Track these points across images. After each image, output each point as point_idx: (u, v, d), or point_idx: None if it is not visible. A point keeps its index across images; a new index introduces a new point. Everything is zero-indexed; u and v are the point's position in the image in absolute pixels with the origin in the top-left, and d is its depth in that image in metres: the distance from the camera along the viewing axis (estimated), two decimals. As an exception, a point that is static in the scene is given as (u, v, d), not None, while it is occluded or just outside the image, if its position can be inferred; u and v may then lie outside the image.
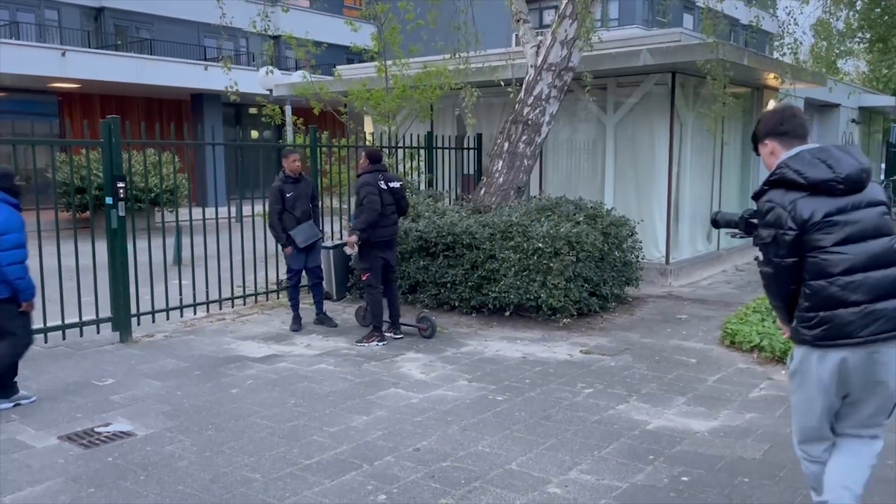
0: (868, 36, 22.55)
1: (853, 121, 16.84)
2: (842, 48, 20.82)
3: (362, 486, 3.87)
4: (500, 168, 8.69)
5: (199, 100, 22.15)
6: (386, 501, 3.72)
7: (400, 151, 9.95)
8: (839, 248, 2.76)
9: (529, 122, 8.54)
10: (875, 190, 2.85)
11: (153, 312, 7.28)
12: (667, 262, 9.75)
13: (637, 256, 8.47)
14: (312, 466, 4.13)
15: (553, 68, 8.45)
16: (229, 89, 9.26)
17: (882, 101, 17.52)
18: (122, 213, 6.78)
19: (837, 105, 15.44)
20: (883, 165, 20.42)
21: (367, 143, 10.04)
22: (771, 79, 10.84)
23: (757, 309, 7.13)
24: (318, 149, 8.90)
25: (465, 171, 11.11)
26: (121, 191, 6.75)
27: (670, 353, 6.46)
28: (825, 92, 13.00)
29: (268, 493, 3.81)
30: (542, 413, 4.97)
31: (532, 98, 8.54)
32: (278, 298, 8.64)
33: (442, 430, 4.66)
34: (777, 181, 2.87)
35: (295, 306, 7.49)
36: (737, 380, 5.69)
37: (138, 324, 7.15)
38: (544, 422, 4.81)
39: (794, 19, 9.99)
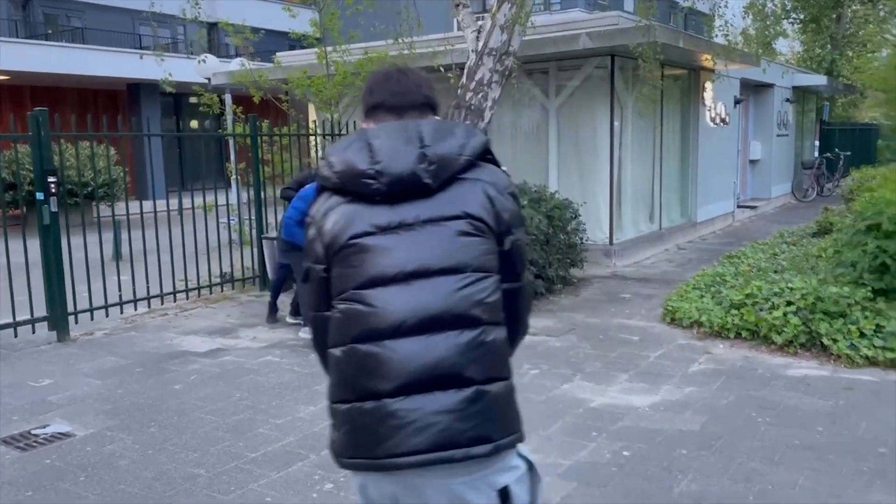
0: (801, 17, 23.21)
1: (787, 100, 17.33)
2: (775, 29, 21.38)
3: (309, 477, 3.86)
4: (443, 154, 8.68)
5: (135, 90, 21.52)
6: (333, 490, 3.72)
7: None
8: (362, 294, 1.68)
9: (472, 108, 8.54)
10: (459, 196, 1.70)
11: (91, 310, 7.09)
12: (610, 242, 9.92)
13: (581, 238, 8.59)
14: (258, 459, 4.10)
15: (494, 53, 8.45)
16: (164, 81, 9.04)
17: (815, 80, 18.05)
18: (54, 209, 6.57)
19: (772, 85, 15.86)
20: (817, 143, 21.05)
21: (310, 130, 9.91)
22: (707, 60, 11.07)
23: (696, 286, 7.32)
24: (259, 138, 8.77)
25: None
26: (52, 186, 6.54)
27: (614, 331, 6.59)
28: (760, 72, 13.35)
29: (212, 487, 3.77)
30: (489, 396, 5.02)
31: (474, 83, 8.54)
32: (222, 291, 8.50)
33: (389, 417, 4.67)
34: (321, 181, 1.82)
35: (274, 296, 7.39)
36: (677, 355, 5.84)
37: (76, 322, 6.95)
38: (491, 404, 4.86)
39: (726, 1, 10.20)
